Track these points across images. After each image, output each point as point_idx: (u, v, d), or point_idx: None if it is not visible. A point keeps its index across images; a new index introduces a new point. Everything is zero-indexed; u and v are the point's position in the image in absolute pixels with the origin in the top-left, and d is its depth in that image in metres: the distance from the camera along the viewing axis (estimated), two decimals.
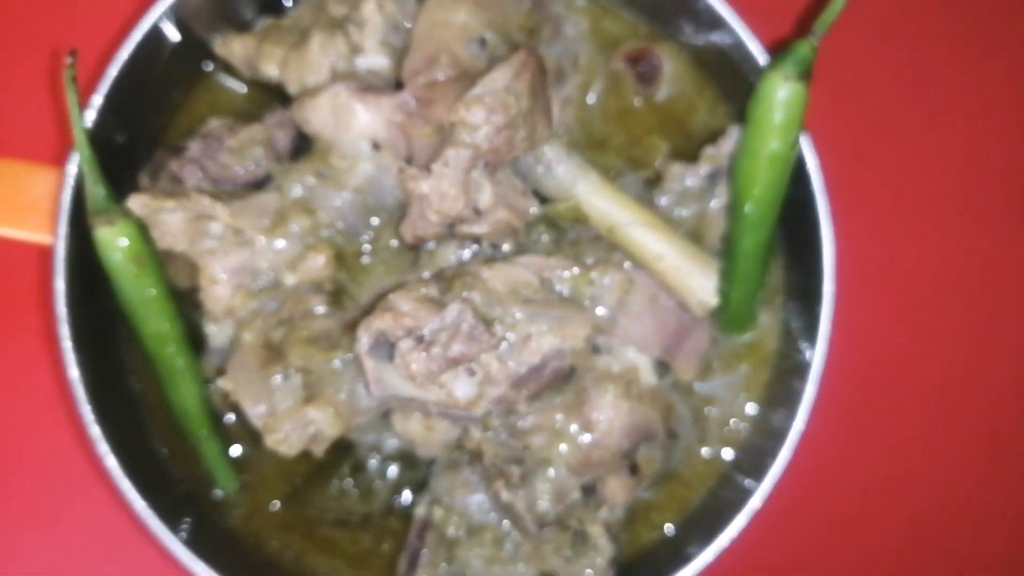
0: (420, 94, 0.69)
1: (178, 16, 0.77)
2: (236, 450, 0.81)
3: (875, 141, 0.97)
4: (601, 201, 0.74)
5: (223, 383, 0.71)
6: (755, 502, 0.75)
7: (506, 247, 0.73)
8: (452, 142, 0.66)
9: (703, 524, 0.80)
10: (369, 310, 0.69)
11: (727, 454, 0.83)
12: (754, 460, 0.80)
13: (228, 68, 0.83)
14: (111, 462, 0.72)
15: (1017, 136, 0.98)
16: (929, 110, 0.98)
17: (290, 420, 0.67)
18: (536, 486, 0.71)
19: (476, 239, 0.72)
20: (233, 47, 0.80)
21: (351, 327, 0.69)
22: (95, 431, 0.72)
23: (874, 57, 0.97)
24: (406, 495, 0.80)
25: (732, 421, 0.83)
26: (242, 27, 0.83)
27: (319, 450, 0.69)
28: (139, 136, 0.81)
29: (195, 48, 0.81)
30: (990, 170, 0.97)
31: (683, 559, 0.75)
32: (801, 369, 0.78)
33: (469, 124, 0.65)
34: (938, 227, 0.97)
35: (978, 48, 0.98)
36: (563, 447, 0.71)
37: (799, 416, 0.76)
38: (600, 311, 0.72)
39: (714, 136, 0.80)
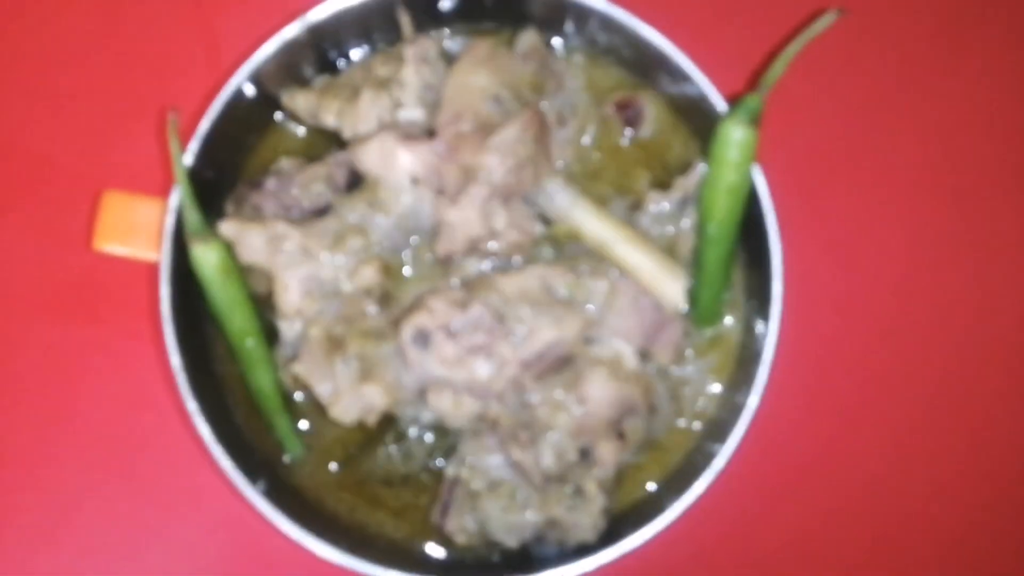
0: (449, 142, 0.80)
1: (254, 77, 0.87)
2: (302, 425, 0.91)
3: (821, 163, 1.04)
4: (592, 223, 0.84)
5: (296, 368, 0.82)
6: (719, 463, 0.85)
7: (517, 260, 0.84)
8: (474, 181, 0.78)
9: (679, 483, 0.88)
10: (410, 310, 0.80)
11: (699, 425, 0.93)
12: (720, 430, 0.89)
13: (294, 117, 0.92)
14: (204, 430, 0.82)
15: (957, 148, 1.05)
16: (871, 134, 1.05)
17: (349, 395, 0.77)
18: (541, 447, 0.81)
19: (493, 255, 0.83)
20: (297, 100, 0.90)
21: (396, 323, 0.79)
22: (192, 406, 0.82)
23: (822, 89, 1.05)
24: (439, 459, 0.90)
25: (703, 399, 0.93)
26: (304, 84, 0.92)
27: (371, 419, 0.79)
28: (223, 173, 0.91)
29: (267, 101, 0.91)
30: (931, 173, 1.04)
31: (662, 511, 0.85)
32: (758, 356, 0.87)
33: (487, 167, 0.77)
34: (883, 231, 1.04)
35: (929, 69, 1.05)
36: (562, 417, 0.81)
37: (754, 393, 0.86)
38: (591, 309, 0.83)
39: (686, 168, 0.90)
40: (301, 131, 0.95)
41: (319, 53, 0.93)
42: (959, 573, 1.04)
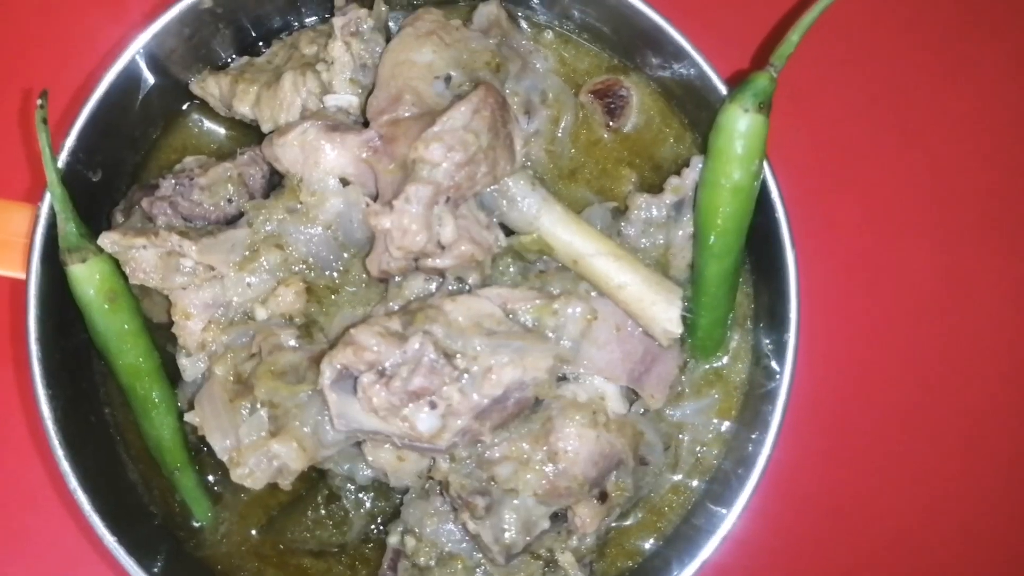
0: (384, 131, 0.68)
1: (154, 57, 0.76)
2: (212, 481, 0.79)
3: (841, 166, 0.97)
4: (565, 233, 0.73)
5: (190, 417, 0.70)
6: (726, 528, 0.74)
7: (472, 280, 0.72)
8: (413, 179, 0.64)
9: (677, 551, 0.78)
10: (332, 346, 0.67)
11: (699, 480, 0.82)
12: (726, 486, 0.78)
13: (205, 107, 0.82)
14: (80, 496, 0.71)
15: (982, 158, 0.97)
16: (894, 134, 0.97)
17: (255, 454, 0.65)
18: (503, 516, 0.69)
19: (440, 272, 0.70)
20: (208, 86, 0.79)
21: (317, 361, 0.67)
22: (64, 466, 0.71)
23: (839, 83, 0.97)
24: (381, 526, 0.79)
25: (702, 448, 0.82)
26: (218, 67, 0.82)
27: (285, 484, 0.67)
28: (116, 173, 0.80)
29: (172, 87, 0.81)
30: (955, 192, 0.97)
31: None
32: (771, 394, 0.77)
33: (429, 161, 0.64)
34: (904, 248, 0.96)
35: (942, 73, 0.98)
36: (529, 477, 0.69)
37: (767, 442, 0.75)
38: (565, 342, 0.70)
39: (680, 166, 0.79)
40: (215, 125, 0.85)
41: (236, 29, 0.82)
42: None
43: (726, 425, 0.82)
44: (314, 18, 0.83)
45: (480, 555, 0.72)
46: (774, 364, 0.77)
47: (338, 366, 0.63)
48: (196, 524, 0.79)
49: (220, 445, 0.66)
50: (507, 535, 0.68)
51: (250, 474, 0.64)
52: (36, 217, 0.72)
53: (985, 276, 0.96)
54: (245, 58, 0.82)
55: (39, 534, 0.87)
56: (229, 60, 0.83)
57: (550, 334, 0.69)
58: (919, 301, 0.95)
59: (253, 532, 0.79)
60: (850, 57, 0.97)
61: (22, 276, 0.73)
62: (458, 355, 0.64)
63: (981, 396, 0.95)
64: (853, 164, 0.96)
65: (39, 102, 0.69)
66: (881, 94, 0.97)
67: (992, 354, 0.95)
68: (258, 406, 0.66)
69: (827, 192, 0.95)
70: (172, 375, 0.76)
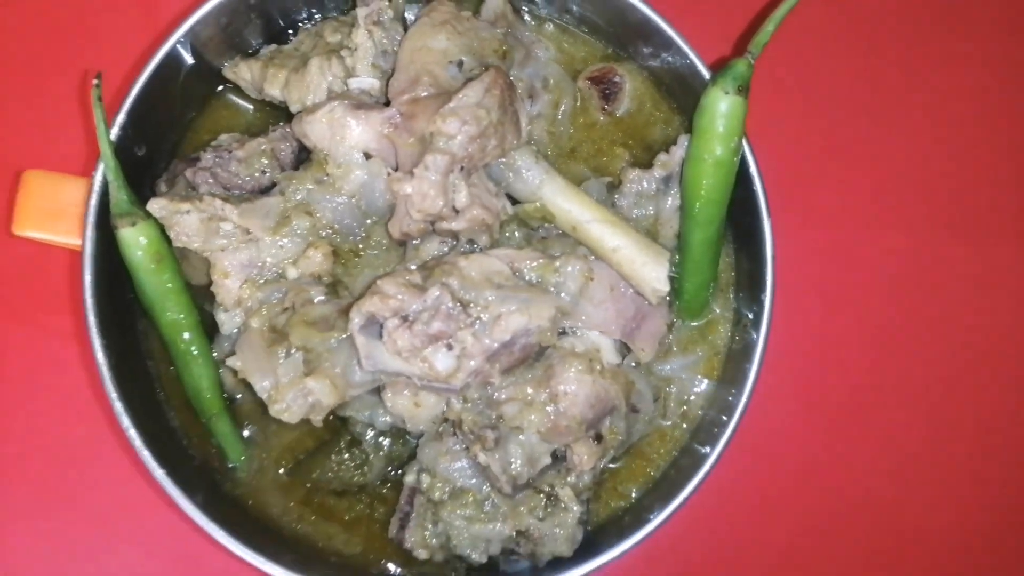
0: (404, 109, 0.74)
1: (192, 44, 0.82)
2: (246, 429, 0.85)
3: (818, 145, 1.02)
4: (564, 202, 0.79)
5: (232, 362, 0.76)
6: (706, 468, 0.80)
7: (482, 242, 0.78)
8: (431, 149, 0.71)
9: (664, 490, 0.84)
10: (361, 296, 0.73)
11: (685, 428, 0.88)
12: (708, 433, 0.84)
13: (237, 89, 0.88)
14: (133, 435, 0.76)
15: (953, 138, 1.03)
16: (870, 117, 1.02)
17: (292, 390, 0.71)
18: (509, 450, 0.75)
19: (454, 235, 0.76)
20: (241, 70, 0.85)
21: (345, 312, 0.73)
22: (118, 407, 0.77)
23: (819, 68, 1.02)
24: (399, 469, 0.84)
25: (689, 398, 0.88)
26: (249, 53, 0.88)
27: (317, 419, 0.73)
28: (158, 149, 0.86)
29: (208, 71, 0.86)
30: (925, 170, 1.02)
31: (645, 521, 0.80)
32: (749, 350, 0.82)
33: (446, 133, 0.71)
34: (874, 220, 1.01)
35: (920, 60, 1.03)
36: (533, 416, 0.75)
37: (745, 392, 0.81)
38: (564, 297, 0.77)
39: (670, 144, 0.84)
40: (246, 105, 0.91)
41: (265, 19, 0.88)
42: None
43: (710, 379, 0.88)
44: (336, 10, 0.89)
45: (488, 489, 0.78)
46: (752, 324, 0.83)
47: (366, 312, 0.71)
48: (230, 466, 0.85)
49: (260, 385, 0.73)
50: (513, 467, 0.75)
51: (287, 409, 0.71)
52: (90, 186, 0.78)
53: (952, 246, 1.02)
54: (273, 45, 0.88)
55: (100, 474, 0.93)
56: (258, 47, 0.88)
57: (552, 289, 0.76)
58: (888, 269, 1.01)
59: (281, 472, 0.85)
60: (830, 44, 1.02)
61: (77, 242, 0.79)
62: (471, 304, 0.71)
63: (945, 356, 1.01)
64: (830, 144, 1.02)
65: (95, 83, 0.75)
66: (859, 78, 1.02)
67: (956, 319, 1.01)
68: (293, 350, 0.73)
69: (805, 169, 1.01)
70: (208, 331, 0.82)
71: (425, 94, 0.75)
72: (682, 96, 0.89)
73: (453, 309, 0.71)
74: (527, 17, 0.91)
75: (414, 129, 0.74)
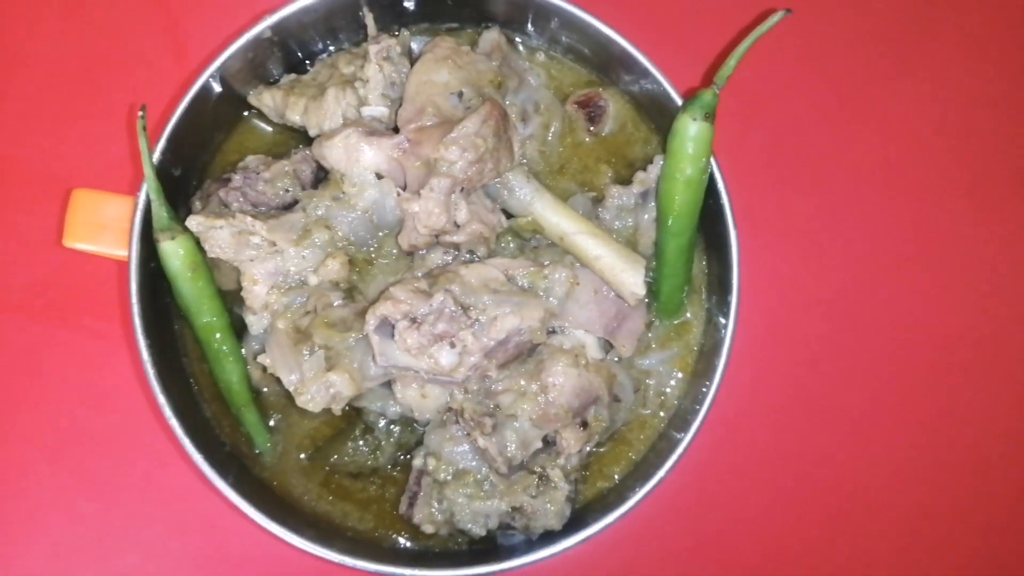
0: (412, 136, 0.82)
1: (221, 75, 0.89)
2: (272, 419, 0.92)
3: (780, 158, 1.08)
4: (553, 216, 0.87)
5: (263, 359, 0.83)
6: (680, 449, 0.87)
7: (480, 252, 0.85)
8: (436, 173, 0.80)
9: (644, 471, 0.91)
10: (375, 301, 0.81)
11: (662, 416, 0.95)
12: (683, 419, 0.92)
13: (260, 114, 0.94)
14: (174, 423, 0.84)
15: (906, 151, 1.09)
16: (829, 134, 1.08)
17: (315, 384, 0.79)
18: (505, 435, 0.83)
19: (456, 246, 0.84)
20: (264, 98, 0.92)
21: (361, 314, 0.80)
22: (162, 400, 0.84)
23: (783, 91, 1.08)
24: (407, 454, 0.91)
25: (666, 389, 0.95)
26: (271, 82, 0.95)
27: (337, 408, 0.81)
28: (191, 169, 0.93)
29: (235, 99, 0.93)
30: (877, 181, 1.08)
31: (626, 499, 0.87)
32: (718, 345, 0.89)
33: (448, 159, 0.79)
34: (832, 228, 1.07)
35: (876, 79, 1.09)
36: (526, 405, 0.82)
37: (715, 382, 0.89)
38: (552, 300, 0.85)
39: (648, 162, 0.92)
40: (268, 129, 0.98)
41: (285, 52, 0.95)
42: (917, 547, 1.06)
43: (684, 372, 0.95)
44: (349, 43, 0.96)
45: (487, 470, 0.85)
46: (722, 322, 0.90)
47: (380, 315, 0.78)
48: (257, 452, 0.92)
49: (288, 379, 0.80)
50: (509, 450, 0.83)
51: (311, 400, 0.79)
52: (135, 205, 0.85)
53: (914, 253, 1.07)
54: (293, 75, 0.94)
55: (144, 456, 1.00)
56: (279, 76, 0.95)
57: (541, 293, 0.84)
58: (851, 274, 1.07)
59: (303, 457, 0.92)
60: (795, 63, 1.08)
61: (123, 253, 0.86)
62: (471, 308, 0.80)
63: (901, 345, 1.06)
64: (798, 160, 1.08)
65: (140, 114, 0.82)
66: (820, 98, 1.09)
67: (913, 314, 1.07)
68: (316, 349, 0.80)
69: (775, 183, 1.07)
70: (238, 331, 0.89)
71: (430, 123, 0.83)
72: (659, 118, 0.95)
73: (455, 312, 0.79)
74: (520, 47, 0.98)
75: (420, 154, 0.82)
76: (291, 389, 0.80)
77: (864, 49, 1.10)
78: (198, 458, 0.84)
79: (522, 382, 0.84)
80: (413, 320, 0.78)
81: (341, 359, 0.80)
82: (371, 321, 0.79)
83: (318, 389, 0.79)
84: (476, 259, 0.86)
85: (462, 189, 0.81)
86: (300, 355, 0.81)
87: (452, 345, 0.78)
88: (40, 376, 1.02)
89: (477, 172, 0.81)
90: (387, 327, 0.80)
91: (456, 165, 0.80)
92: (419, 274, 0.85)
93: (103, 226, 0.89)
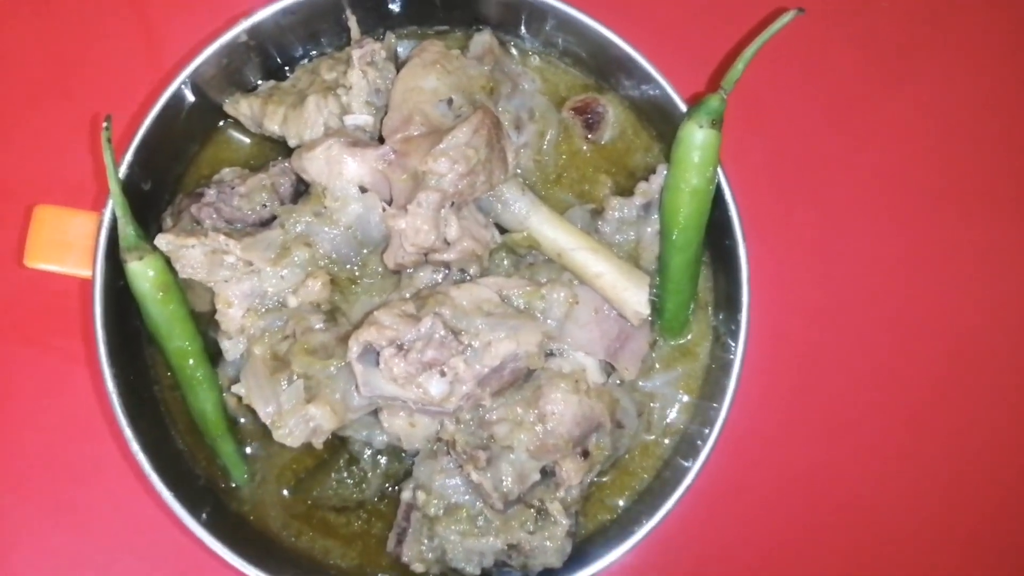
0: (398, 147, 0.78)
1: (195, 82, 0.85)
2: (250, 449, 0.89)
3: (789, 165, 1.05)
4: (550, 230, 0.83)
5: (237, 389, 0.79)
6: (689, 479, 0.83)
7: (472, 271, 0.82)
8: (424, 187, 0.76)
9: (649, 501, 0.88)
10: (359, 325, 0.77)
11: (668, 442, 0.91)
12: (690, 445, 0.88)
13: (237, 124, 0.91)
14: (141, 458, 0.80)
15: (918, 158, 1.06)
16: (840, 141, 1.06)
17: (294, 417, 0.75)
18: (501, 468, 0.79)
19: (446, 265, 0.80)
20: (241, 107, 0.88)
21: (344, 339, 0.77)
22: (128, 432, 0.80)
23: (792, 96, 1.06)
24: (395, 485, 0.87)
25: (671, 413, 0.91)
26: (248, 89, 0.91)
27: (318, 442, 0.77)
28: (162, 183, 0.90)
29: (209, 107, 0.89)
30: (892, 190, 1.06)
31: (630, 533, 0.83)
32: (727, 366, 0.86)
33: (437, 172, 0.75)
34: (845, 241, 1.05)
35: (883, 85, 1.07)
36: (523, 435, 0.79)
37: (724, 406, 0.85)
38: (550, 322, 0.81)
39: (650, 172, 0.88)
40: (245, 140, 0.94)
41: (264, 57, 0.91)
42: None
43: (691, 394, 0.91)
44: (331, 47, 0.93)
45: (481, 504, 0.82)
46: (730, 341, 0.87)
47: (363, 342, 0.75)
48: (234, 485, 0.88)
49: (264, 411, 0.77)
50: (504, 484, 0.79)
51: (290, 434, 0.75)
52: (100, 222, 0.82)
53: (923, 263, 1.05)
54: (272, 82, 0.91)
55: (108, 492, 0.96)
56: (257, 83, 0.92)
57: (539, 315, 0.80)
58: (861, 284, 1.04)
59: (284, 492, 0.88)
60: (803, 70, 1.06)
61: (87, 273, 0.83)
62: (463, 332, 0.75)
63: (918, 366, 1.04)
64: (803, 168, 1.06)
65: (104, 124, 0.78)
66: (825, 104, 1.06)
67: (929, 331, 1.04)
68: (295, 378, 0.76)
69: (780, 192, 1.04)
70: (213, 356, 0.85)
71: (417, 133, 0.79)
72: (661, 124, 0.92)
73: (445, 337, 0.75)
74: (514, 51, 0.95)
75: (407, 166, 0.78)
76: (267, 422, 0.76)
77: (870, 54, 1.08)
78: (167, 495, 0.81)
79: (518, 411, 0.80)
80: (400, 347, 0.74)
81: (322, 389, 0.76)
82: (354, 348, 0.75)
83: (297, 423, 0.75)
84: (468, 278, 0.82)
85: (452, 203, 0.77)
86: (277, 385, 0.77)
87: (442, 373, 0.74)
88: (7, 400, 0.99)
89: (468, 185, 0.77)
90: (371, 354, 0.75)
91: (445, 178, 0.76)
92: (406, 295, 0.81)
93: (68, 244, 0.86)
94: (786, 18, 0.79)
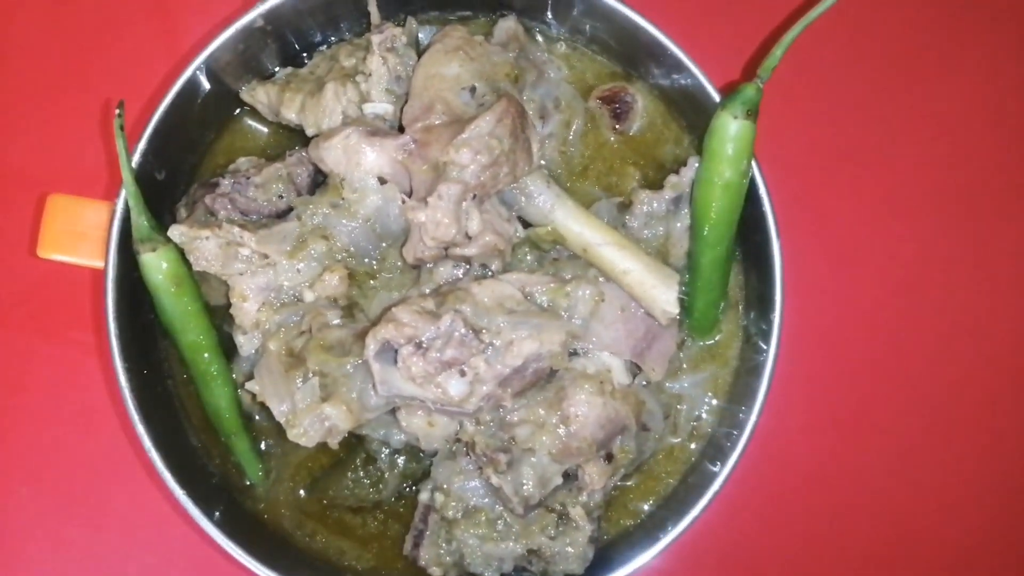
0: (418, 137, 0.76)
1: (210, 68, 0.84)
2: (263, 446, 0.87)
3: (823, 159, 1.03)
4: (576, 225, 0.81)
5: (251, 386, 0.78)
6: (717, 484, 0.81)
7: (494, 266, 0.79)
8: (445, 179, 0.73)
9: (674, 506, 0.86)
10: (377, 321, 0.76)
11: (695, 445, 0.89)
12: (719, 449, 0.86)
13: (254, 112, 0.89)
14: (154, 455, 0.79)
15: (960, 152, 1.03)
16: (879, 132, 1.03)
17: (309, 416, 0.73)
18: (522, 471, 0.77)
19: (467, 260, 0.78)
20: (258, 94, 0.87)
21: (361, 336, 0.75)
22: (140, 429, 0.79)
23: (829, 85, 1.03)
24: (413, 486, 0.86)
25: (699, 416, 0.89)
26: (265, 76, 0.89)
27: (334, 442, 0.75)
28: (177, 172, 0.88)
29: (225, 95, 0.88)
30: (934, 184, 1.03)
31: (654, 539, 0.82)
32: (759, 368, 0.84)
33: (459, 163, 0.73)
34: (884, 237, 1.02)
35: (925, 74, 1.04)
36: (545, 438, 0.77)
37: (755, 409, 0.83)
38: (575, 320, 0.79)
39: (680, 164, 0.86)
40: (262, 128, 0.93)
41: (281, 43, 0.89)
42: None
43: (719, 397, 0.89)
44: (351, 33, 0.91)
45: (501, 508, 0.80)
46: (761, 342, 0.85)
47: (381, 340, 0.73)
48: (249, 483, 0.87)
49: (278, 409, 0.75)
50: (525, 488, 0.77)
51: (304, 433, 0.73)
52: (112, 212, 0.80)
53: (970, 261, 1.02)
54: (289, 68, 0.89)
55: (119, 489, 0.96)
56: (275, 70, 0.90)
57: (563, 313, 0.78)
58: (898, 285, 1.02)
59: (299, 491, 0.87)
60: (840, 61, 1.03)
61: (100, 265, 0.81)
62: (484, 330, 0.73)
63: (960, 374, 1.01)
64: (840, 160, 1.03)
65: (117, 111, 0.77)
66: (867, 92, 1.03)
67: (972, 336, 1.02)
68: (310, 375, 0.74)
69: (815, 186, 1.02)
70: (228, 351, 0.84)
71: (438, 122, 0.77)
72: (692, 115, 0.90)
73: (466, 336, 0.73)
74: (539, 37, 0.92)
75: (428, 156, 0.76)
76: (282, 421, 0.75)
77: (918, 39, 1.05)
78: (180, 494, 0.80)
79: (541, 412, 0.78)
80: (418, 345, 0.72)
81: (338, 387, 0.74)
82: (371, 346, 0.72)
83: (311, 422, 0.73)
84: (490, 274, 0.80)
85: (474, 196, 0.75)
86: (292, 382, 0.75)
87: (462, 373, 0.72)
88: (21, 393, 0.98)
89: (491, 177, 0.75)
90: (389, 352, 0.73)
91: (468, 169, 0.74)
92: (426, 291, 0.78)
93: (82, 235, 0.84)
94: (826, 3, 0.75)
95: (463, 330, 0.73)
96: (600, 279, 0.82)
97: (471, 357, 0.73)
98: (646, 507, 0.89)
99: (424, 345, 0.72)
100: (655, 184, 0.87)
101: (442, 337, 0.72)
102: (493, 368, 0.73)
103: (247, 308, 0.80)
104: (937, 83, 1.05)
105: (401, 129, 0.79)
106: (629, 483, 0.89)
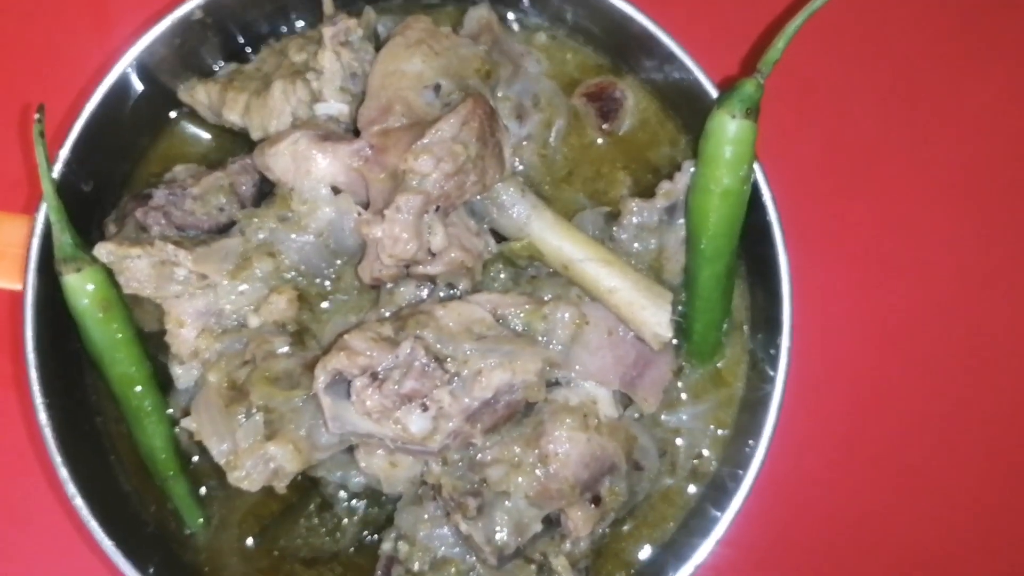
0: (375, 142, 0.77)
1: (143, 64, 0.85)
2: (205, 489, 0.88)
3: (841, 167, 1.04)
4: (555, 238, 0.82)
5: (187, 423, 0.78)
6: (721, 529, 0.82)
7: (462, 286, 0.80)
8: (403, 189, 0.74)
9: (671, 556, 0.86)
10: (328, 350, 0.76)
11: (696, 486, 0.90)
12: (721, 490, 0.86)
13: (193, 114, 0.91)
14: (79, 502, 0.80)
15: (982, 159, 1.05)
16: (895, 135, 1.05)
17: (252, 456, 0.74)
18: (494, 517, 0.77)
19: (431, 279, 0.79)
20: (197, 94, 0.88)
21: (311, 366, 0.75)
22: (63, 472, 0.80)
23: (839, 83, 1.05)
24: (374, 533, 0.87)
25: (700, 452, 0.90)
26: (206, 74, 0.91)
27: (280, 486, 0.76)
28: (107, 183, 0.89)
29: (160, 96, 0.89)
30: (956, 193, 1.05)
31: None
32: (766, 398, 0.84)
33: (419, 172, 0.74)
34: (905, 250, 1.04)
35: (945, 73, 1.06)
36: (521, 479, 0.77)
37: (761, 446, 0.83)
38: (555, 346, 0.79)
39: (675, 169, 0.86)
40: (203, 133, 0.94)
41: (223, 36, 0.91)
42: None
43: (723, 430, 0.90)
44: (302, 23, 0.92)
45: (473, 559, 0.80)
46: (769, 368, 0.86)
47: (332, 370, 0.73)
48: (188, 532, 0.87)
49: (217, 449, 0.76)
50: (498, 536, 0.77)
51: (247, 476, 0.74)
52: (32, 228, 0.81)
53: (997, 280, 1.03)
54: (233, 65, 0.91)
55: (39, 539, 0.95)
56: (216, 67, 0.91)
57: (540, 338, 0.78)
58: (923, 303, 1.03)
59: (246, 540, 0.87)
60: (849, 52, 1.04)
61: (18, 287, 0.82)
62: (448, 359, 0.74)
63: (985, 399, 1.02)
64: (854, 165, 1.04)
65: (36, 116, 0.77)
66: (882, 90, 1.05)
67: (997, 360, 1.03)
68: (253, 411, 0.75)
69: (827, 193, 1.03)
70: (163, 384, 0.85)
71: (398, 124, 0.78)
72: (688, 114, 0.91)
73: (428, 365, 0.73)
74: (515, 27, 0.94)
75: (386, 163, 0.77)
76: (221, 462, 0.76)
77: (934, 29, 1.07)
78: (109, 546, 0.81)
79: (516, 450, 0.79)
80: (374, 376, 0.73)
81: (284, 424, 0.75)
82: (321, 378, 0.73)
83: (255, 463, 0.74)
84: (457, 295, 0.80)
85: (437, 208, 0.76)
86: (234, 419, 0.77)
87: (424, 407, 0.73)
88: None
89: (456, 186, 0.76)
90: (341, 385, 0.74)
91: (429, 179, 0.75)
92: (385, 314, 0.79)
93: None
94: None
95: (424, 359, 0.73)
96: (583, 300, 0.83)
97: (434, 389, 0.73)
98: (641, 556, 0.90)
99: (380, 376, 0.73)
100: (647, 191, 0.88)
101: (400, 367, 0.73)
102: (459, 401, 0.74)
103: (184, 335, 0.81)
104: (966, 73, 1.06)
105: (356, 133, 0.80)
106: (624, 528, 0.90)
